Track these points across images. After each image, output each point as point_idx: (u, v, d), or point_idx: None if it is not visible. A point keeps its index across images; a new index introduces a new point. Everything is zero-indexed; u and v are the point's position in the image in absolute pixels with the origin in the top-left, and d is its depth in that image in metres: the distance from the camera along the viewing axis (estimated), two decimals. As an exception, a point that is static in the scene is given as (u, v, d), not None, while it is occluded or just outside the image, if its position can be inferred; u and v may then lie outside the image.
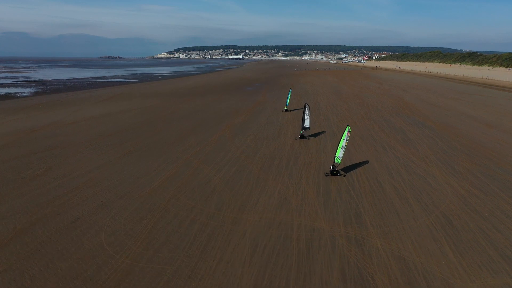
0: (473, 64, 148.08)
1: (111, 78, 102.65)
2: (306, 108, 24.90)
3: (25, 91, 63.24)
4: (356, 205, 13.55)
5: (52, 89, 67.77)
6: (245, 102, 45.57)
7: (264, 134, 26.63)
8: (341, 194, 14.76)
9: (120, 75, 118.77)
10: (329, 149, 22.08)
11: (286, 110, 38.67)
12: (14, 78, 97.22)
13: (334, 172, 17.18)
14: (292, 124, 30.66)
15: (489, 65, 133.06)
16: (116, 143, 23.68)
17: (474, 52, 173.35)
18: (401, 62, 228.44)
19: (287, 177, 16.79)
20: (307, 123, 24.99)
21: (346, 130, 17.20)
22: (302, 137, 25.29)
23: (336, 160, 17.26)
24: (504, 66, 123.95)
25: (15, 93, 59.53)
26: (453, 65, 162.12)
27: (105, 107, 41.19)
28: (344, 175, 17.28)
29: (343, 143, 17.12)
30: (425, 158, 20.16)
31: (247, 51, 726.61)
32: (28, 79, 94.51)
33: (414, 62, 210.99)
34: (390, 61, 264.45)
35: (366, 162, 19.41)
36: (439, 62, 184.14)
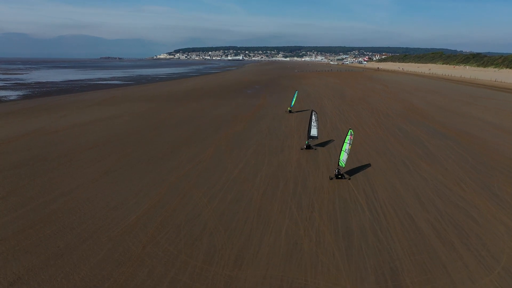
0: (478, 66, 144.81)
1: (107, 80, 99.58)
2: (313, 116, 22.36)
3: (13, 94, 60.05)
4: (389, 254, 10.41)
5: (43, 92, 64.64)
6: (245, 107, 42.48)
7: (266, 146, 23.50)
8: (366, 235, 11.62)
9: (117, 77, 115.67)
10: (342, 167, 18.93)
11: (290, 111, 37.94)
12: (6, 80, 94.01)
13: (339, 176, 17.18)
14: (297, 133, 27.55)
15: (495, 67, 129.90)
16: (97, 158, 20.54)
17: (478, 54, 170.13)
18: (403, 64, 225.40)
19: (295, 209, 13.66)
20: (314, 132, 22.52)
21: (349, 133, 17.36)
22: (308, 147, 22.63)
23: (340, 164, 17.20)
24: (511, 68, 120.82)
25: (2, 96, 56.35)
26: (457, 66, 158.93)
27: (94, 113, 38.07)
28: (349, 179, 17.19)
29: (346, 146, 17.21)
30: (457, 180, 17.02)
31: (247, 52, 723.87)
32: (20, 81, 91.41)
33: (416, 64, 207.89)
34: (392, 63, 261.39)
35: (388, 185, 16.26)
36: (442, 64, 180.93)
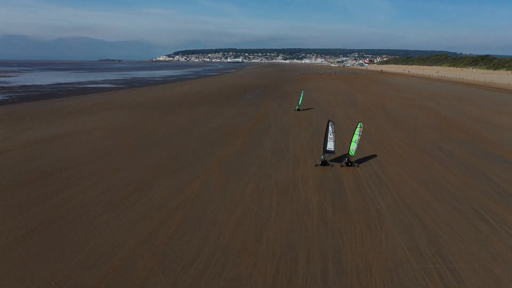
0: (488, 68, 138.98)
1: (98, 83, 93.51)
2: (329, 127, 19.32)
3: (-13, 99, 53.92)
4: None
5: (21, 97, 58.50)
6: (244, 116, 36.35)
7: (272, 178, 17.30)
8: None
9: (110, 80, 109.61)
10: (388, 221, 12.72)
11: (298, 109, 40.41)
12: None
13: (349, 163, 18.99)
14: (310, 155, 21.32)
15: (507, 69, 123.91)
16: (25, 204, 14.30)
17: (487, 56, 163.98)
18: (407, 66, 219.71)
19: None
20: (330, 146, 19.40)
21: (358, 126, 19.20)
22: (324, 163, 19.23)
23: (350, 153, 19.25)
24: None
25: (-29, 102, 50.19)
26: (465, 69, 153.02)
27: (64, 125, 31.92)
28: (358, 166, 18.99)
29: (356, 137, 19.10)
30: None
31: (246, 54, 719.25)
32: (4, 85, 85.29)
33: (421, 66, 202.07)
34: (394, 65, 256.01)
35: (477, 264, 10.01)
36: (449, 66, 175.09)
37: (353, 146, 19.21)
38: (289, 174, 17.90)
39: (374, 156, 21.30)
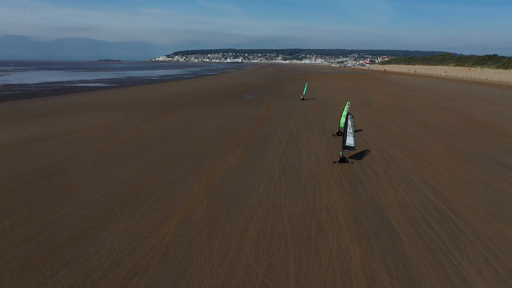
0: (497, 68, 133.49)
1: (89, 83, 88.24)
2: (349, 121, 17.79)
3: (-42, 99, 48.56)
4: None
5: (0, 97, 53.23)
6: (243, 119, 31.03)
7: (284, 211, 11.95)
8: None
9: (103, 79, 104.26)
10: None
11: (303, 99, 44.69)
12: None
13: (339, 133, 22.67)
14: (330, 170, 15.98)
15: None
16: None
17: (495, 55, 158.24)
18: (410, 66, 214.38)
19: None
20: (350, 141, 17.85)
21: (347, 104, 22.52)
22: (343, 160, 17.64)
23: (340, 125, 22.88)
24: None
25: None
26: (472, 68, 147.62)
27: (32, 128, 26.69)
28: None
29: (345, 113, 21.02)
30: None
31: (246, 54, 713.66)
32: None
33: (425, 66, 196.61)
34: (397, 65, 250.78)
35: None
36: (455, 66, 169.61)
37: (343, 120, 22.44)
38: (309, 204, 12.55)
39: (418, 173, 15.95)
